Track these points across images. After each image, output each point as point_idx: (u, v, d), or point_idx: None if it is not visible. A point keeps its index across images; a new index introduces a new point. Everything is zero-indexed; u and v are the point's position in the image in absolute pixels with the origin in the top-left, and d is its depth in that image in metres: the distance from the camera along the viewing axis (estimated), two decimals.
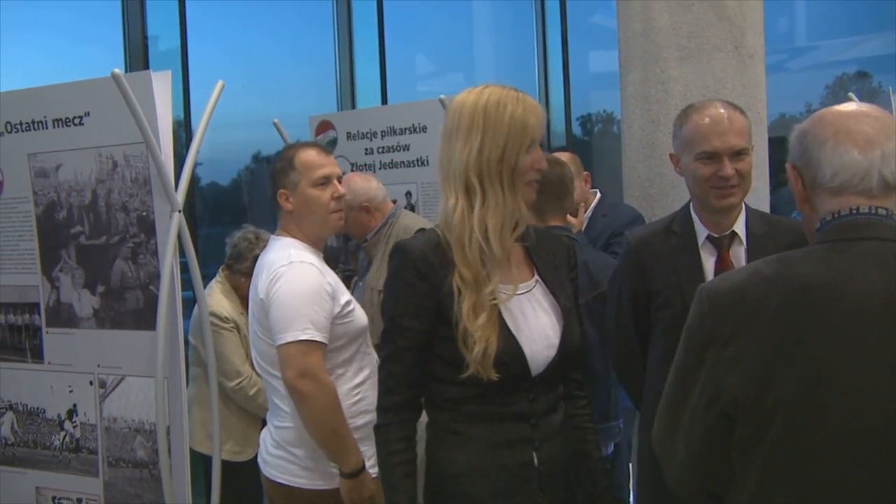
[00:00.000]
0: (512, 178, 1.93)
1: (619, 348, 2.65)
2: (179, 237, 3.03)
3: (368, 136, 4.51)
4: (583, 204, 3.69)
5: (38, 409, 3.34)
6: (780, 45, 9.55)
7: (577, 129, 8.49)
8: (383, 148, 4.46)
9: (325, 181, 2.69)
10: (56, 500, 3.34)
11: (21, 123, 3.22)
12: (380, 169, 4.46)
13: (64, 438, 3.29)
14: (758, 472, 1.52)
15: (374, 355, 2.75)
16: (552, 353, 1.98)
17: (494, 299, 1.91)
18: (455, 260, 1.92)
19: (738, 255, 2.38)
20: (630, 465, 3.42)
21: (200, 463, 3.60)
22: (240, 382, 3.63)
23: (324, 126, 4.69)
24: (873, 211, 1.53)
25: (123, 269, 3.13)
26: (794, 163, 1.64)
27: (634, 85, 4.05)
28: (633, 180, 4.08)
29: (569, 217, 3.41)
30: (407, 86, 7.79)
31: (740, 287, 1.56)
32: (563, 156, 3.73)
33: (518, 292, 1.98)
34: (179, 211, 3.01)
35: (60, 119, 3.14)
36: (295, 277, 2.53)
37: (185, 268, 3.18)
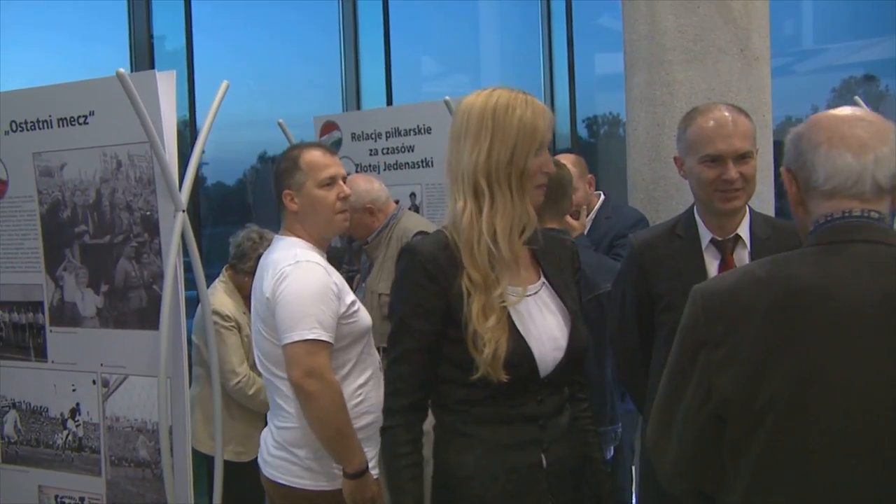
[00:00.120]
0: (520, 181, 1.93)
1: (622, 351, 2.65)
2: (183, 237, 3.03)
3: (373, 136, 4.51)
4: (585, 207, 3.68)
5: (41, 407, 3.35)
6: (787, 47, 9.53)
7: (582, 131, 8.47)
8: (388, 149, 4.46)
9: (331, 182, 2.69)
10: (58, 499, 3.34)
11: (26, 122, 3.23)
12: (384, 170, 4.46)
13: (67, 437, 3.30)
14: (749, 473, 1.54)
15: (377, 356, 2.75)
16: (560, 354, 1.98)
17: (504, 302, 1.91)
18: (464, 262, 1.91)
19: (742, 258, 2.38)
20: (633, 469, 3.41)
21: (203, 463, 3.60)
22: (237, 383, 3.63)
23: (328, 127, 4.69)
24: (866, 214, 1.55)
25: (127, 268, 3.13)
26: (788, 166, 1.66)
27: (639, 87, 4.04)
28: (637, 183, 4.07)
29: (570, 220, 3.41)
30: (412, 87, 7.79)
31: (733, 288, 1.58)
32: (568, 158, 3.73)
33: (526, 294, 1.98)
34: (183, 211, 3.01)
35: (65, 118, 3.14)
36: (302, 277, 2.53)
37: (188, 267, 3.18)
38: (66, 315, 3.27)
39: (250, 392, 3.64)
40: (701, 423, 1.57)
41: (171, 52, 5.49)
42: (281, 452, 2.59)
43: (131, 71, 4.72)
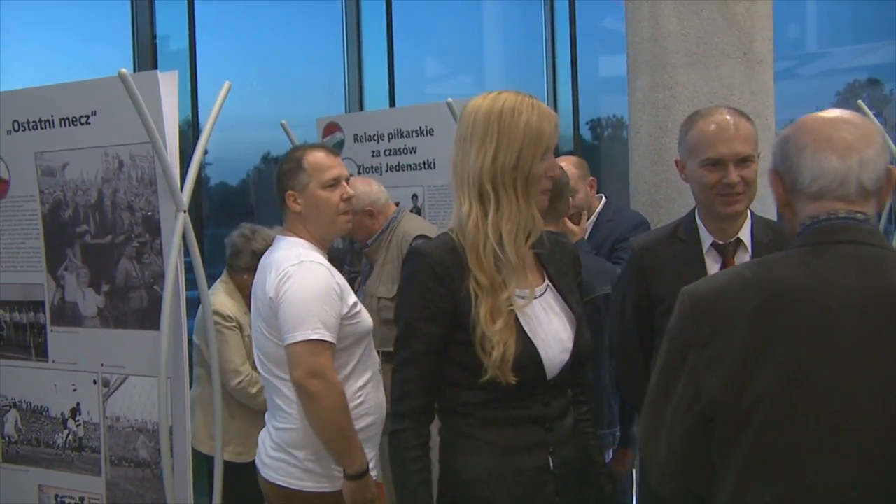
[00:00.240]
0: (526, 185, 1.93)
1: (623, 354, 2.64)
2: (184, 237, 3.03)
3: (375, 138, 4.51)
4: (585, 211, 3.68)
5: (41, 407, 3.35)
6: (791, 51, 9.52)
7: (586, 134, 8.47)
8: (390, 150, 4.46)
9: (335, 183, 2.69)
10: (58, 499, 3.34)
11: (28, 122, 3.23)
12: (386, 171, 4.46)
13: (67, 437, 3.30)
14: (737, 472, 1.55)
15: (377, 358, 2.75)
16: (566, 356, 1.98)
17: (511, 305, 1.91)
18: (470, 265, 1.92)
19: (743, 262, 2.37)
20: (633, 472, 3.41)
21: (203, 463, 3.60)
22: (239, 382, 3.63)
23: (331, 128, 4.69)
24: (851, 215, 1.57)
25: (128, 268, 3.13)
26: (775, 168, 1.67)
27: (642, 90, 4.04)
28: (639, 186, 4.07)
29: (570, 224, 3.41)
30: (416, 88, 7.79)
31: (721, 290, 1.60)
32: (570, 160, 3.73)
33: (534, 297, 1.99)
34: (185, 211, 3.01)
35: (67, 118, 3.14)
36: (305, 277, 2.53)
37: (189, 267, 3.18)
38: (66, 315, 3.27)
39: (253, 391, 3.64)
40: (689, 423, 1.59)
41: (174, 52, 5.50)
42: (279, 454, 2.59)
43: (134, 71, 4.73)
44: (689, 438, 1.60)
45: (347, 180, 2.76)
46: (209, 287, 3.57)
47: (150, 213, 3.06)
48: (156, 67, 5.09)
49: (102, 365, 3.20)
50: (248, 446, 3.64)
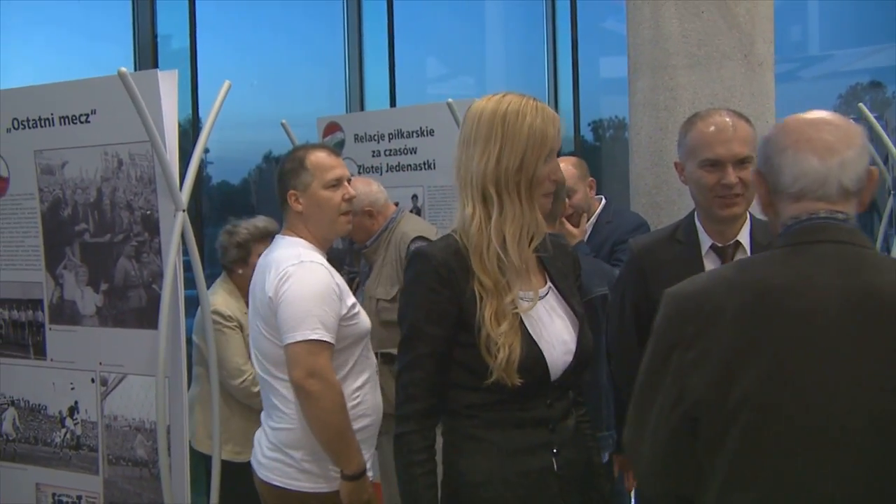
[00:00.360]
0: (529, 188, 1.93)
1: (621, 355, 2.64)
2: (183, 236, 3.03)
3: (376, 138, 4.50)
4: (585, 214, 3.67)
5: (39, 405, 3.35)
6: (793, 53, 9.51)
7: (588, 135, 8.47)
8: (390, 150, 4.45)
9: (337, 183, 2.70)
10: (56, 497, 3.34)
11: (28, 120, 3.23)
12: (386, 171, 4.45)
13: (65, 435, 3.30)
14: (722, 473, 1.56)
15: (374, 360, 2.75)
16: (569, 358, 1.98)
17: (516, 308, 1.91)
18: (474, 268, 1.91)
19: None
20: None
21: (202, 463, 3.59)
22: (243, 381, 3.62)
23: (331, 128, 4.68)
24: (832, 215, 1.58)
25: (127, 267, 3.13)
26: (758, 168, 1.69)
27: (643, 92, 4.04)
28: (639, 187, 4.07)
29: (569, 227, 3.40)
30: (417, 89, 7.79)
31: (703, 291, 1.61)
32: (569, 160, 3.72)
33: (538, 299, 1.99)
34: (183, 210, 3.01)
35: (67, 116, 3.14)
36: (305, 277, 2.53)
37: (188, 267, 3.18)
38: (65, 313, 3.27)
39: (255, 390, 3.63)
40: (674, 424, 1.60)
41: (175, 51, 5.50)
42: (275, 454, 2.59)
43: (135, 69, 4.74)
44: (675, 439, 1.61)
45: (349, 181, 2.76)
46: (209, 287, 3.57)
47: (149, 213, 3.06)
48: (156, 66, 5.09)
49: (101, 364, 3.20)
50: (247, 446, 3.63)
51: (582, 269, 2.32)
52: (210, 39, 5.60)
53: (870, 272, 1.53)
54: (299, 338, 2.46)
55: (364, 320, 2.68)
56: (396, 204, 3.87)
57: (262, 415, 2.70)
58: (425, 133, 4.33)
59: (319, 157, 2.70)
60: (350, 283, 3.89)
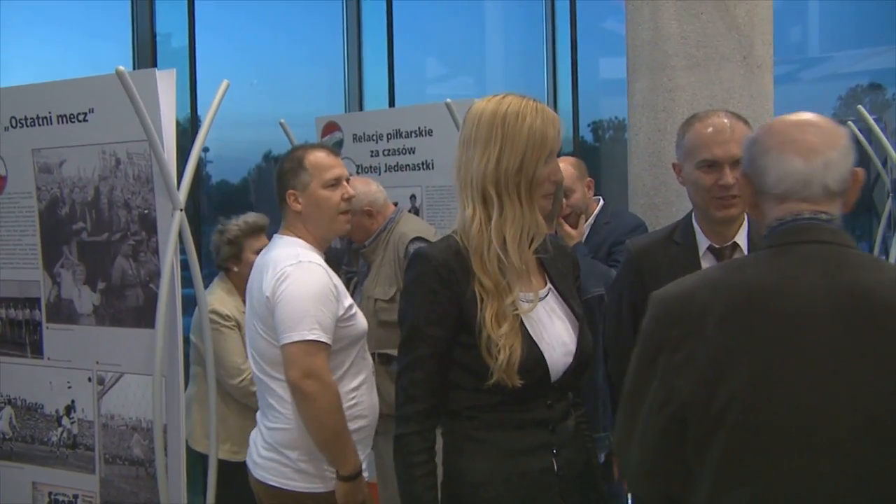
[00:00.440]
0: (529, 189, 1.93)
1: (618, 356, 2.64)
2: (181, 235, 3.03)
3: (374, 138, 4.50)
4: (583, 216, 3.67)
5: (36, 404, 3.35)
6: (793, 55, 9.51)
7: (588, 136, 8.47)
8: (389, 150, 4.45)
9: (336, 182, 2.70)
10: (52, 496, 3.34)
11: (26, 118, 3.23)
12: (385, 171, 4.45)
13: (61, 434, 3.29)
14: (711, 474, 1.56)
15: (370, 361, 2.75)
16: (569, 359, 1.99)
17: (516, 310, 1.91)
18: (474, 269, 1.92)
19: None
20: None
21: (200, 462, 3.59)
22: (241, 380, 3.62)
23: (330, 127, 4.68)
24: (815, 216, 1.59)
25: (124, 266, 3.13)
26: (744, 170, 1.71)
27: (642, 93, 4.04)
28: (638, 188, 4.07)
29: (567, 227, 3.40)
30: (417, 89, 7.79)
31: (689, 293, 1.62)
32: (568, 160, 3.72)
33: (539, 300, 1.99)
34: (181, 209, 3.01)
35: (64, 115, 3.14)
36: (303, 277, 2.53)
37: (186, 266, 3.18)
38: (62, 312, 3.26)
39: (254, 389, 3.62)
40: (662, 426, 1.60)
41: (174, 50, 5.50)
42: (271, 454, 2.59)
43: (134, 68, 4.73)
44: (663, 441, 1.61)
45: (347, 180, 2.76)
46: (207, 286, 3.57)
47: (146, 211, 3.06)
48: (155, 65, 5.08)
49: (97, 363, 3.20)
50: (244, 445, 3.61)
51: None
52: (209, 39, 5.59)
53: (855, 271, 1.54)
54: (296, 338, 2.46)
55: (361, 321, 2.68)
56: (395, 204, 3.87)
57: (258, 414, 2.70)
58: (424, 133, 4.33)
59: (318, 156, 2.71)
60: (347, 282, 3.89)
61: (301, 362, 2.46)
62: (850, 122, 5.29)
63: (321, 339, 2.48)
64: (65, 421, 3.28)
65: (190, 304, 3.35)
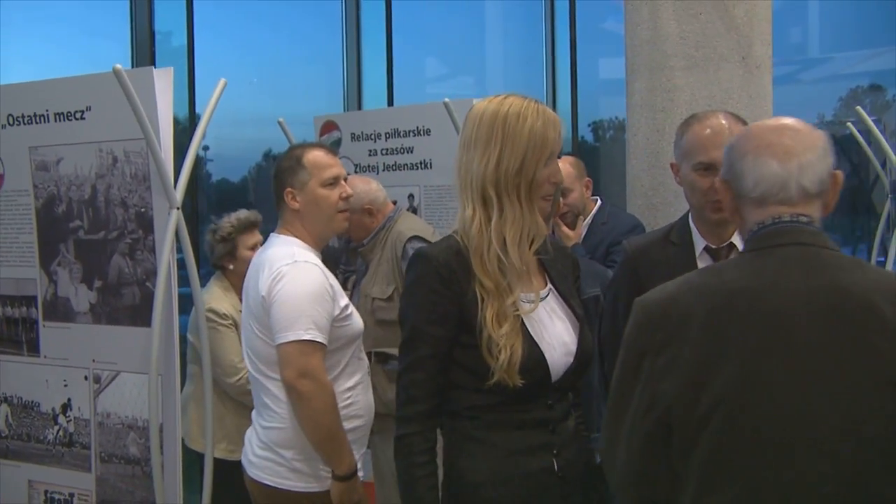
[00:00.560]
0: (529, 191, 1.93)
1: (613, 357, 2.62)
2: (177, 234, 3.03)
3: (372, 137, 4.50)
4: (581, 216, 3.67)
5: (32, 402, 3.35)
6: (793, 56, 9.51)
7: (588, 136, 8.47)
8: (387, 150, 4.45)
9: (334, 182, 2.70)
10: (48, 494, 3.34)
11: (23, 116, 3.23)
12: (383, 171, 4.45)
13: (57, 433, 3.29)
14: (696, 477, 1.57)
15: (366, 361, 2.75)
16: (570, 359, 1.99)
17: (517, 310, 1.91)
18: (474, 270, 1.92)
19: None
20: None
21: (197, 461, 3.59)
22: (238, 379, 3.62)
23: (328, 126, 4.68)
24: (795, 219, 1.61)
25: (121, 264, 3.13)
26: (723, 177, 1.72)
27: (640, 93, 4.03)
28: (636, 189, 4.07)
29: (565, 229, 3.39)
30: (415, 88, 7.79)
31: (671, 297, 1.63)
32: (567, 159, 3.71)
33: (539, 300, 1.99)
34: (178, 208, 3.01)
35: (62, 113, 3.14)
36: (299, 277, 2.52)
37: (182, 265, 3.18)
38: (59, 310, 3.26)
39: (251, 387, 3.63)
40: (647, 430, 1.61)
41: (173, 49, 5.50)
42: (266, 453, 2.58)
43: (132, 67, 4.73)
44: (648, 446, 1.62)
45: (345, 179, 2.76)
46: (204, 285, 3.57)
47: (143, 210, 3.06)
48: (154, 64, 5.08)
49: (94, 361, 3.20)
50: (241, 444, 3.61)
51: None
52: (208, 37, 5.60)
53: (834, 273, 1.55)
54: (292, 338, 2.46)
55: (357, 321, 2.68)
56: (394, 202, 3.86)
57: (253, 413, 2.70)
58: (422, 132, 4.33)
59: (317, 155, 2.71)
60: (346, 281, 3.89)
61: (296, 362, 2.46)
62: (849, 124, 5.30)
63: (317, 339, 2.47)
64: (61, 419, 3.28)
65: (187, 302, 3.35)
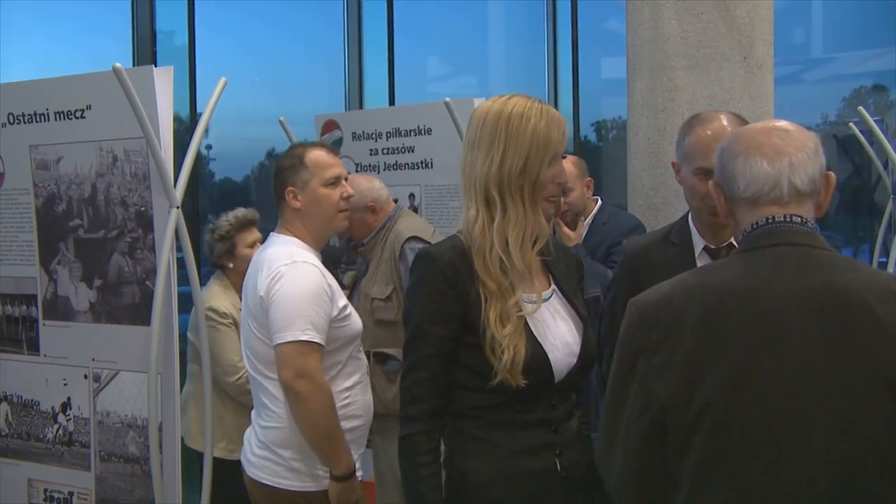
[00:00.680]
0: (532, 191, 1.93)
1: (612, 356, 2.62)
2: (177, 233, 3.03)
3: (373, 136, 4.50)
4: (582, 217, 3.66)
5: (32, 401, 3.35)
6: (796, 56, 9.50)
7: (591, 135, 8.46)
8: (388, 149, 4.45)
9: (336, 181, 2.70)
10: (47, 493, 3.34)
11: (23, 115, 3.23)
12: (384, 170, 4.45)
13: (57, 431, 3.29)
14: (690, 477, 1.58)
15: (365, 361, 2.75)
16: (573, 360, 1.99)
17: (520, 311, 1.91)
18: (477, 270, 1.92)
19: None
20: None
21: (196, 460, 3.59)
22: (238, 378, 3.62)
23: (329, 125, 4.68)
24: (788, 219, 1.62)
25: (121, 263, 3.13)
26: (716, 179, 1.72)
27: (641, 93, 4.02)
28: (637, 188, 4.06)
29: (566, 229, 3.38)
30: (417, 87, 7.79)
31: (666, 297, 1.64)
32: (569, 159, 3.70)
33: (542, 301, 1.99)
34: (178, 207, 3.01)
35: (62, 112, 3.14)
36: (297, 277, 2.52)
37: (182, 264, 3.18)
38: (59, 309, 3.26)
39: (249, 387, 3.63)
40: (643, 431, 1.62)
41: (175, 48, 5.50)
42: (265, 452, 2.58)
43: (134, 65, 4.73)
44: (644, 447, 1.62)
45: (346, 179, 2.76)
46: (204, 284, 3.57)
47: (143, 209, 3.05)
48: (155, 62, 5.08)
49: (94, 360, 3.19)
50: (240, 443, 3.62)
51: None
52: (210, 36, 5.60)
53: (828, 272, 1.56)
54: (289, 338, 2.46)
55: (355, 322, 2.68)
56: (396, 201, 3.86)
57: (252, 413, 2.70)
58: (423, 132, 4.32)
59: (318, 154, 2.71)
60: (350, 278, 3.88)
61: (294, 362, 2.46)
62: (851, 124, 5.28)
63: (314, 340, 2.47)
64: (60, 418, 3.28)
65: (186, 301, 3.35)
